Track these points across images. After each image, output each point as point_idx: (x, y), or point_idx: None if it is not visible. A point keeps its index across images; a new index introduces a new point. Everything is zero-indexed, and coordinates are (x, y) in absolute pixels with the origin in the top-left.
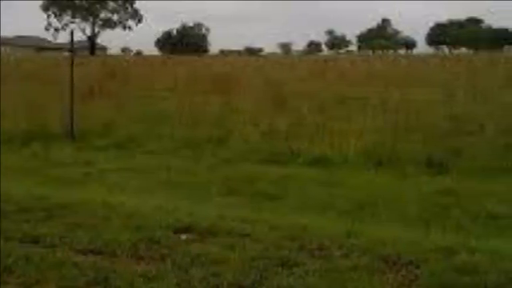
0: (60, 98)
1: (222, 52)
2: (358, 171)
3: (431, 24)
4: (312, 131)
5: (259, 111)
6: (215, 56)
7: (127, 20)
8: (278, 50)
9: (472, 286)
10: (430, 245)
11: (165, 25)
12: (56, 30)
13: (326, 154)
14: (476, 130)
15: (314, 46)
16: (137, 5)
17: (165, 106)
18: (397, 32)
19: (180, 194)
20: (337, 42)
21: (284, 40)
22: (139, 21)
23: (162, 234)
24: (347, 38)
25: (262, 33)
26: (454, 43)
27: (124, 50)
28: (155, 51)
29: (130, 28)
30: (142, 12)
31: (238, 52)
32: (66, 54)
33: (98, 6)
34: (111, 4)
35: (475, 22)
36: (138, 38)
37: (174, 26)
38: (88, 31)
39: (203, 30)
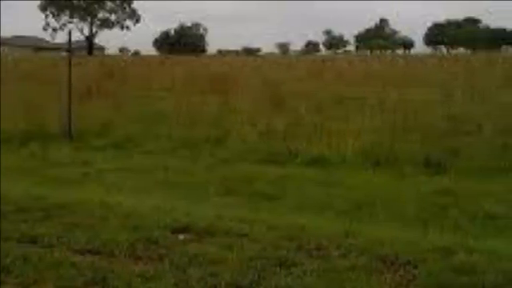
0: (58, 98)
1: (220, 52)
2: (356, 171)
3: (429, 24)
4: (310, 131)
5: (257, 111)
6: (213, 56)
7: (125, 20)
8: (276, 50)
9: (470, 286)
10: (428, 245)
11: (163, 25)
12: (54, 29)
13: (324, 154)
14: (474, 130)
15: (311, 46)
16: (135, 5)
17: (163, 105)
18: (395, 32)
19: (178, 193)
20: (335, 42)
21: (282, 40)
22: (137, 21)
23: (159, 233)
24: (345, 38)
25: (260, 33)
26: (452, 43)
27: (122, 49)
28: (153, 51)
29: (127, 28)
30: (139, 12)
31: (236, 52)
32: (64, 53)
33: (95, 5)
34: (109, 4)
35: (473, 21)
36: (136, 37)
37: (171, 26)
38: (86, 31)
39: (201, 30)
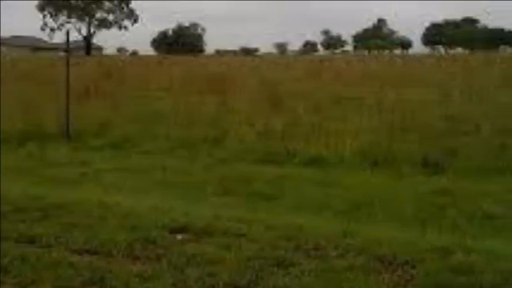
0: (56, 98)
1: (218, 52)
2: (354, 171)
3: (427, 24)
4: (308, 131)
5: (255, 111)
6: (211, 56)
7: (123, 20)
8: (274, 50)
9: (468, 286)
10: (426, 245)
11: (160, 25)
12: (52, 29)
13: (322, 154)
14: (472, 130)
15: (309, 46)
16: (132, 5)
17: (160, 106)
18: (392, 32)
19: (176, 193)
20: (332, 42)
21: (280, 40)
22: (135, 21)
23: (157, 233)
24: (343, 38)
25: (258, 33)
26: (450, 43)
27: (120, 49)
28: (151, 51)
29: (125, 28)
30: (137, 12)
31: (234, 52)
32: (62, 53)
33: (93, 5)
34: (107, 4)
35: (471, 21)
36: (134, 37)
37: (169, 26)
38: (84, 31)
39: (199, 30)
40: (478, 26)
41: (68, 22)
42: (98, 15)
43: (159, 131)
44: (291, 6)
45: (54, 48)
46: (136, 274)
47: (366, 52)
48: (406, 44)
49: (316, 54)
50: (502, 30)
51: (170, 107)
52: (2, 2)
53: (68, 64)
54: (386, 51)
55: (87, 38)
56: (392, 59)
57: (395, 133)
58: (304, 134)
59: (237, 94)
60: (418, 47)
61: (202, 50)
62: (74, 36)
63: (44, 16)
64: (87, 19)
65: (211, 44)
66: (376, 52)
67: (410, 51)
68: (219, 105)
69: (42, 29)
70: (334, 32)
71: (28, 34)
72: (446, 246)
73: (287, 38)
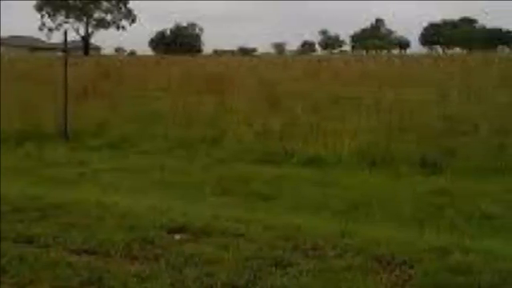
0: (54, 98)
1: (216, 52)
2: (352, 171)
3: (425, 24)
4: (306, 131)
5: (253, 111)
6: (209, 56)
7: (121, 20)
8: (272, 50)
9: (466, 286)
10: (424, 245)
11: (158, 25)
12: (50, 29)
13: (320, 154)
14: (470, 130)
15: (307, 46)
16: (130, 5)
17: (158, 106)
18: (390, 32)
19: (174, 193)
20: (330, 42)
21: (278, 40)
22: (133, 21)
23: (155, 233)
24: (341, 38)
25: (256, 33)
26: (448, 43)
27: (118, 49)
28: (149, 51)
29: (123, 28)
30: (135, 12)
31: (232, 52)
32: (60, 53)
33: (91, 5)
34: (105, 4)
35: (469, 21)
36: (132, 37)
37: (167, 26)
38: (82, 31)
39: (197, 30)
40: (476, 26)
41: (66, 22)
42: (96, 15)
43: (157, 131)
44: (289, 5)
45: (52, 48)
46: (134, 274)
47: (363, 52)
48: (403, 44)
49: (314, 53)
50: (500, 30)
51: (168, 107)
52: (6, 2)
53: (66, 64)
54: (384, 51)
55: (85, 38)
56: (390, 59)
57: (393, 133)
58: (302, 134)
59: (235, 93)
60: (415, 47)
61: (199, 50)
62: (72, 36)
63: (42, 16)
64: (85, 19)
65: (209, 44)
66: (374, 52)
67: (408, 51)
68: (217, 105)
69: (40, 29)
70: (332, 32)
71: (26, 33)
72: (444, 245)
73: (285, 38)
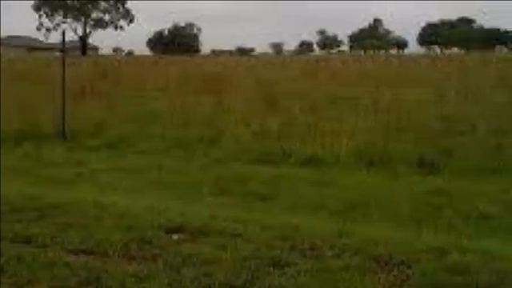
0: (52, 98)
1: (214, 52)
2: (350, 171)
3: (423, 24)
4: (304, 131)
5: (251, 111)
6: (207, 56)
7: (119, 20)
8: (270, 50)
9: (463, 286)
10: (422, 245)
11: (156, 25)
12: (47, 30)
13: (318, 154)
14: (467, 130)
15: (305, 46)
16: (128, 5)
17: (156, 106)
18: (388, 32)
19: (171, 193)
20: (328, 42)
21: (275, 40)
22: (131, 21)
23: (153, 233)
24: (339, 38)
25: (254, 33)
26: (446, 43)
27: (115, 49)
28: (147, 51)
29: (121, 28)
30: (133, 12)
31: (230, 52)
32: (58, 53)
33: (89, 5)
34: (103, 4)
35: (467, 21)
36: (130, 37)
37: (165, 26)
38: (79, 31)
39: (195, 30)
40: (474, 26)
41: (64, 22)
42: (94, 15)
43: (155, 131)
44: (287, 5)
45: (50, 48)
46: (132, 274)
47: (361, 52)
48: (401, 44)
49: (312, 53)
50: (498, 30)
51: (166, 107)
52: (4, 2)
53: (64, 64)
54: (382, 51)
55: (83, 38)
56: (388, 59)
57: (391, 133)
58: (300, 134)
59: (233, 94)
60: (413, 47)
61: (197, 50)
62: (70, 36)
63: (40, 16)
64: (83, 19)
65: (207, 44)
66: (372, 52)
67: (406, 51)
68: (215, 105)
69: (38, 29)
70: (330, 32)
71: (24, 34)
72: (441, 246)
73: (283, 38)
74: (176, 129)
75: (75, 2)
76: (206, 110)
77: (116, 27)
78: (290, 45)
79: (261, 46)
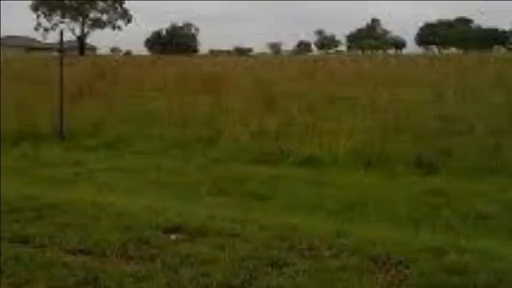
0: (49, 98)
1: (212, 52)
2: (348, 171)
3: (420, 24)
4: (302, 131)
5: (249, 111)
6: (205, 56)
7: (117, 20)
8: (268, 50)
9: (461, 286)
10: (420, 245)
11: (154, 25)
12: (45, 30)
13: (316, 154)
14: (465, 130)
15: (303, 46)
16: (126, 5)
17: (154, 106)
18: (386, 32)
19: (170, 193)
20: (326, 42)
21: (273, 40)
22: (129, 21)
23: (151, 233)
24: (337, 38)
25: (252, 33)
26: (444, 43)
27: (113, 50)
28: (145, 51)
29: (119, 28)
30: (131, 12)
31: (228, 52)
32: (56, 54)
33: (87, 6)
34: (101, 4)
35: (464, 21)
36: (128, 37)
37: (163, 26)
38: (77, 31)
39: (193, 30)
40: (472, 26)
41: (62, 22)
42: (92, 15)
43: (153, 131)
44: (285, 5)
45: (48, 48)
46: (130, 274)
47: (359, 52)
48: (399, 44)
49: (310, 54)
50: (496, 29)
51: (164, 107)
52: (4, 2)
53: (62, 64)
54: (380, 51)
55: (81, 38)
56: (386, 59)
57: (389, 133)
58: (298, 134)
59: (231, 94)
60: (411, 47)
61: (195, 50)
62: (68, 36)
63: (38, 16)
64: (81, 19)
65: (205, 44)
66: (370, 52)
67: (404, 51)
68: (213, 105)
69: (36, 29)
70: (328, 32)
71: (22, 34)
72: (439, 246)
73: (281, 38)
74: (174, 129)
75: (73, 2)
76: (204, 110)
77: (114, 27)
78: (288, 45)
79: (259, 46)
